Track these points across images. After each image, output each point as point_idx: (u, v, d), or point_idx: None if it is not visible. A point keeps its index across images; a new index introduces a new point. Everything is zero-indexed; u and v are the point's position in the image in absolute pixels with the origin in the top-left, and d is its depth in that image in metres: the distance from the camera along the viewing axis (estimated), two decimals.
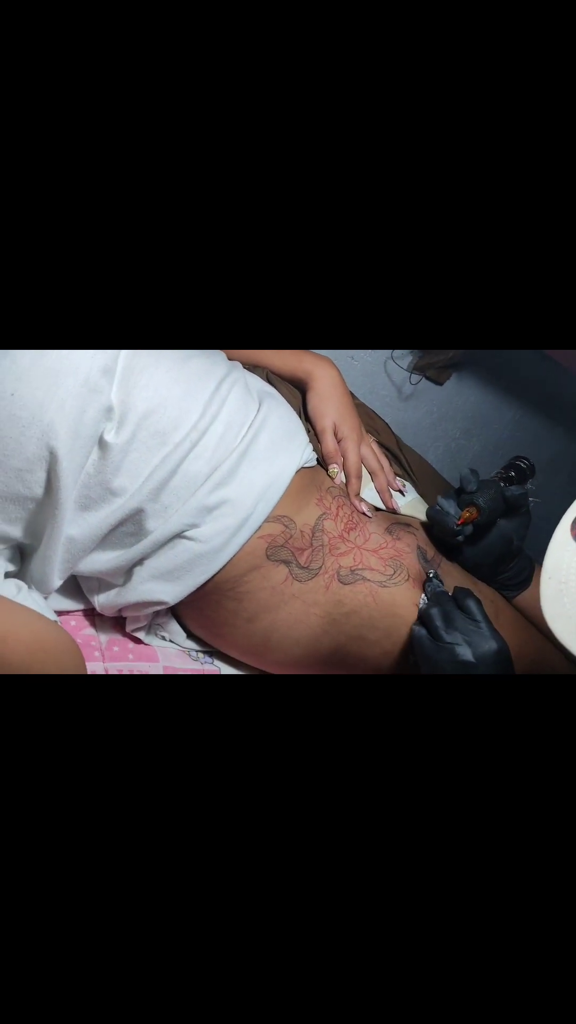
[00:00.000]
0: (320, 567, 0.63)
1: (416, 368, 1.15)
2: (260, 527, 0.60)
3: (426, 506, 0.83)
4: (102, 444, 0.52)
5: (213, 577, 0.59)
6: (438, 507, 0.67)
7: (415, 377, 1.12)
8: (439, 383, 1.22)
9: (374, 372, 1.15)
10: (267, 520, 0.61)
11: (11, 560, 0.55)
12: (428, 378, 1.20)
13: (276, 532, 0.61)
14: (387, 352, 1.11)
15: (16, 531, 0.53)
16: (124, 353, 0.54)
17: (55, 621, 0.50)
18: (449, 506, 0.67)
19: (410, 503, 0.80)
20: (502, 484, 0.69)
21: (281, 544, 0.61)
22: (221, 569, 0.59)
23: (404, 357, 1.12)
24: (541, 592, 0.43)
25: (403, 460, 0.86)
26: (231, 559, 0.59)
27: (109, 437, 0.52)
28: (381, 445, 0.84)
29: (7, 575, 0.54)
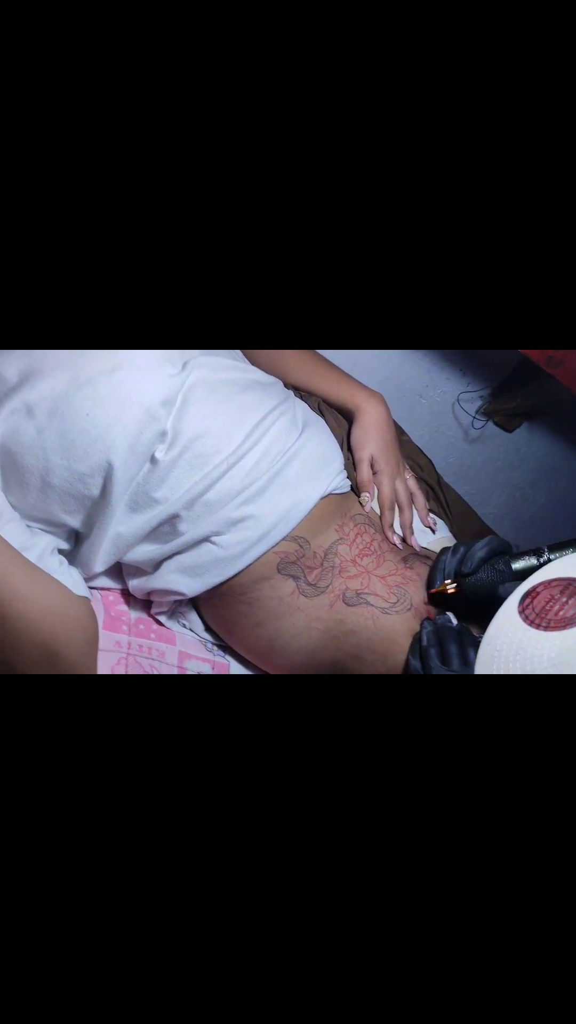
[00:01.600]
0: (328, 586, 0.69)
1: (484, 413, 1.17)
2: (277, 544, 0.67)
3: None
4: (153, 460, 0.62)
5: (228, 581, 0.67)
6: (441, 561, 0.69)
7: (478, 421, 1.15)
8: (508, 430, 1.23)
9: (442, 412, 1.18)
10: (284, 539, 0.68)
11: (67, 540, 0.66)
12: (497, 424, 1.22)
13: (290, 550, 0.68)
14: (455, 394, 1.15)
15: (74, 521, 0.64)
16: (185, 386, 0.63)
17: (84, 596, 0.60)
18: (449, 565, 0.68)
19: (439, 540, 0.84)
20: (510, 568, 0.65)
21: (293, 561, 0.68)
22: (236, 575, 0.67)
23: (472, 401, 1.15)
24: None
25: (441, 498, 0.90)
26: (246, 568, 0.67)
27: (159, 455, 0.62)
28: (422, 481, 0.89)
29: (60, 551, 0.65)
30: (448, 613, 0.69)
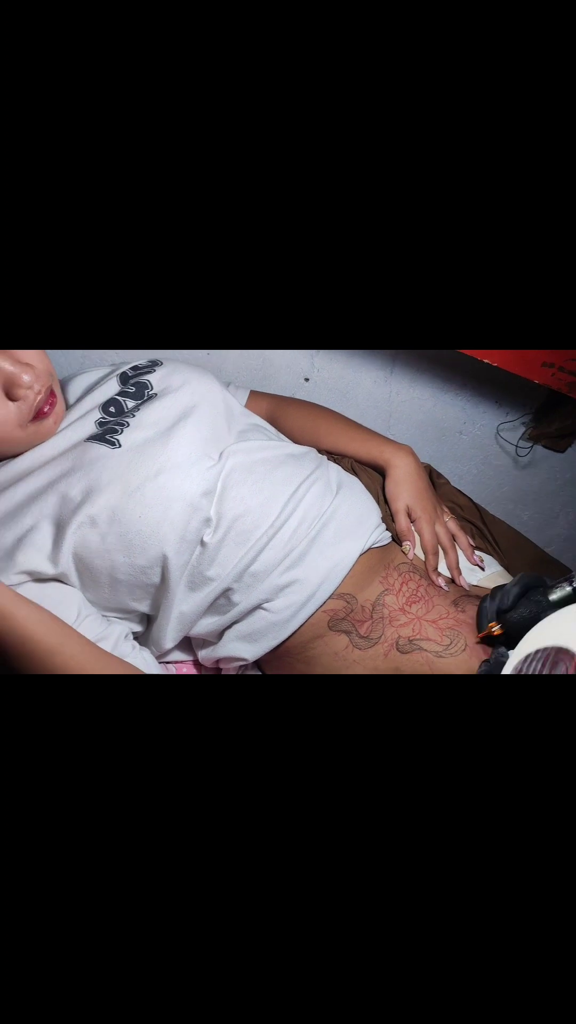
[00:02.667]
0: (380, 636, 0.73)
1: (529, 438, 1.18)
2: (324, 603, 0.73)
3: (509, 580, 0.87)
4: (202, 543, 0.70)
5: (284, 643, 0.73)
6: (482, 608, 0.72)
7: (522, 449, 1.16)
8: (559, 451, 1.23)
9: (486, 443, 1.20)
10: (331, 597, 0.73)
11: (139, 623, 0.75)
12: (546, 447, 1.22)
13: (338, 607, 0.73)
14: (494, 425, 1.17)
15: (142, 606, 0.73)
16: (223, 474, 0.71)
17: (156, 674, 0.68)
18: (490, 610, 0.70)
19: (489, 576, 0.85)
20: (548, 599, 0.67)
21: (342, 617, 0.73)
22: (290, 636, 0.73)
23: (512, 429, 1.17)
24: None
25: (487, 534, 0.92)
26: (298, 629, 0.72)
27: (207, 538, 0.70)
28: (464, 520, 0.91)
29: (134, 634, 0.74)
30: (502, 648, 0.70)
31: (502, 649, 0.70)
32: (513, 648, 0.71)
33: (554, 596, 0.66)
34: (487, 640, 0.70)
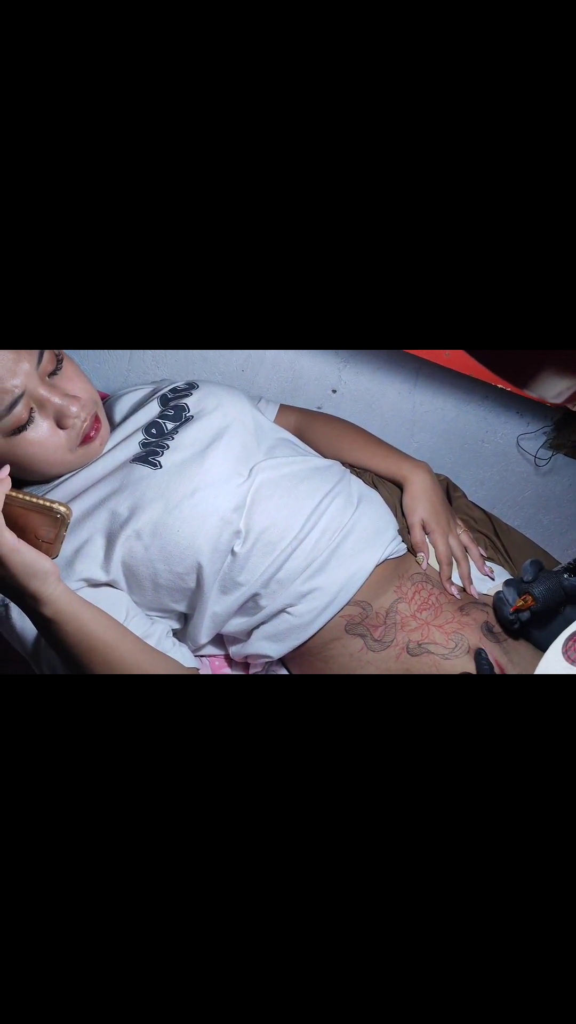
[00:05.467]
0: (392, 640, 0.81)
1: (550, 447, 1.22)
2: (342, 609, 0.81)
3: None
4: (233, 553, 0.78)
5: (305, 643, 0.82)
6: (501, 594, 0.79)
7: (541, 460, 1.20)
8: None
9: (507, 451, 1.25)
10: (348, 604, 0.81)
11: (177, 621, 0.85)
12: (567, 455, 1.26)
13: (354, 613, 0.81)
14: (515, 435, 1.21)
15: (180, 607, 0.82)
16: (252, 490, 0.79)
17: (193, 667, 0.78)
18: (509, 594, 0.78)
19: (498, 587, 0.92)
20: (565, 576, 0.77)
21: (358, 622, 0.81)
22: (311, 638, 0.81)
23: (533, 439, 1.21)
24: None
25: (500, 546, 0.98)
26: (318, 631, 0.81)
27: (237, 548, 0.78)
28: (478, 532, 0.98)
29: (173, 631, 0.84)
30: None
31: (483, 657, 0.76)
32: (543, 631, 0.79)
33: (565, 574, 0.75)
34: (517, 615, 0.76)
